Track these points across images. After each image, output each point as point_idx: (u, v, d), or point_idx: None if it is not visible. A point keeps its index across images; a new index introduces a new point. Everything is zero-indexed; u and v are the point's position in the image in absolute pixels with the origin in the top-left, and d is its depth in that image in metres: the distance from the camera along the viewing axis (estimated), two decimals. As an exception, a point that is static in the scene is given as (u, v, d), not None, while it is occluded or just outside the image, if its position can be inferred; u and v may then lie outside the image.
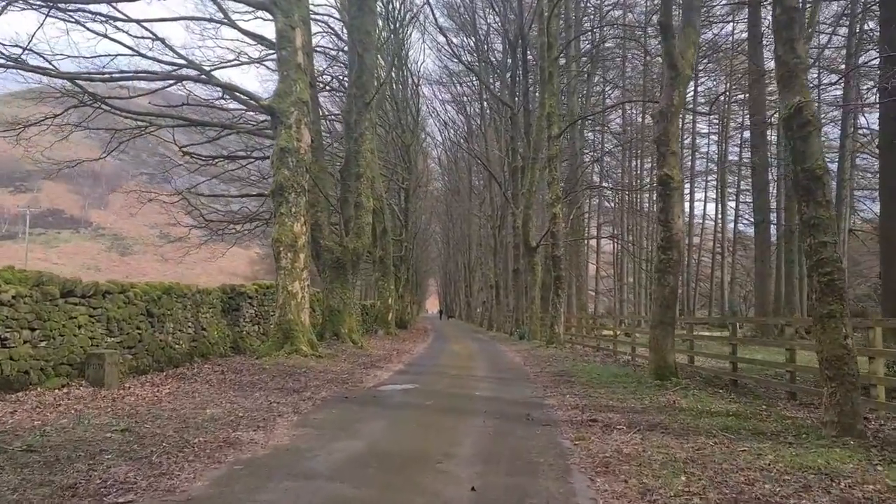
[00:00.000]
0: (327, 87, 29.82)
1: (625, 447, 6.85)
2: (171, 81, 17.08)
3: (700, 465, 6.06)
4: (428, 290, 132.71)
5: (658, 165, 11.81)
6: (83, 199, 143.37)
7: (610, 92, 43.53)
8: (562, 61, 26.18)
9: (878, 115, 27.45)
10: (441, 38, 46.44)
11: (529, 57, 31.47)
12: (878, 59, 21.93)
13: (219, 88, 16.98)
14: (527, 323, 30.46)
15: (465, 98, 50.72)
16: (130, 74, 16.04)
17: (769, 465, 6.04)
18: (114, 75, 15.75)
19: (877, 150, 26.51)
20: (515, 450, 6.77)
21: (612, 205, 60.58)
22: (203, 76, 17.34)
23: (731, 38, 39.43)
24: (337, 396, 10.64)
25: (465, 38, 42.07)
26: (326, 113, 34.10)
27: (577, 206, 31.20)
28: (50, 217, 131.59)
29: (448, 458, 6.34)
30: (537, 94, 29.21)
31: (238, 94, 16.64)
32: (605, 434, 7.66)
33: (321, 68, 34.90)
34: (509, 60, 33.84)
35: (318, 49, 29.15)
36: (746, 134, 55.66)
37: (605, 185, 39.39)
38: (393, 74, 41.11)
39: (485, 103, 46.13)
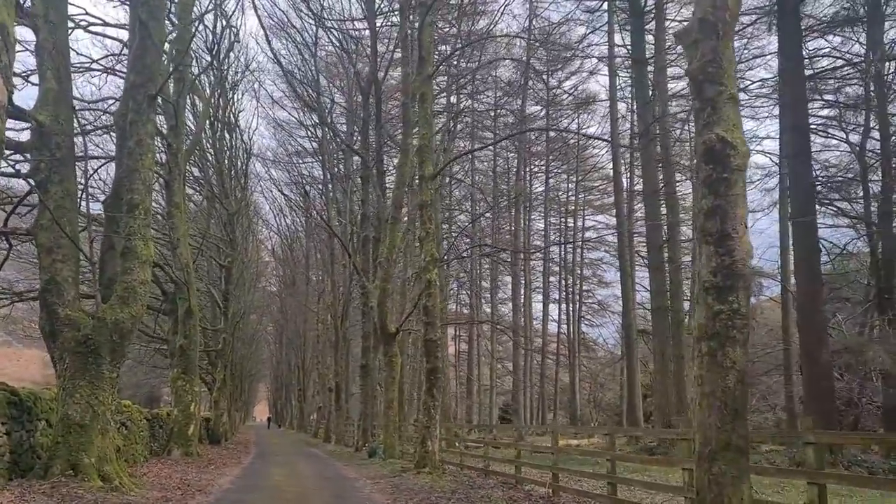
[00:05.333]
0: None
1: None
2: None
3: None
4: (257, 396, 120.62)
5: (702, 123, 5.89)
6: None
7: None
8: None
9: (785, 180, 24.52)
10: (279, 114, 40.83)
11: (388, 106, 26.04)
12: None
13: None
14: (380, 435, 23.23)
15: (304, 178, 43.82)
16: None
17: None
18: None
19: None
20: None
21: (466, 299, 55.62)
22: None
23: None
24: None
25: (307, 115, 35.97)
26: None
27: (449, 284, 25.19)
28: None
29: None
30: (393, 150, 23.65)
31: None
32: None
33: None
34: (360, 112, 28.02)
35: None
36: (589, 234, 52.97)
37: (491, 245, 33.31)
38: (220, 138, 34.10)
39: (329, 185, 39.50)
